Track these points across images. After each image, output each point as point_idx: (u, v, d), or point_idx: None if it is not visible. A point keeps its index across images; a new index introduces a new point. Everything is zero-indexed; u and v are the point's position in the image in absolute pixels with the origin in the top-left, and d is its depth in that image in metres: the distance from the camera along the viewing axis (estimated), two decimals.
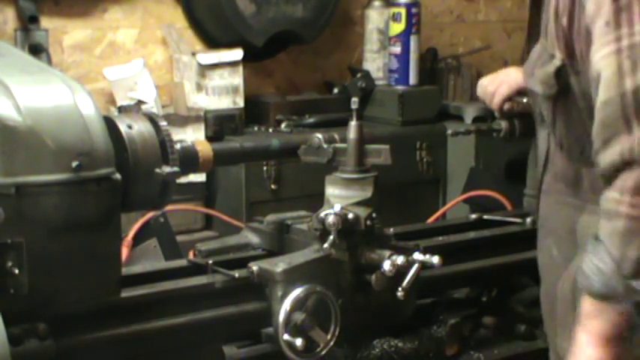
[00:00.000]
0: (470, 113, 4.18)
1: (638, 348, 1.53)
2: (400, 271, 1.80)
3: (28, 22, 3.55)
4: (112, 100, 3.72)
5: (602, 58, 1.45)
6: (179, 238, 3.04)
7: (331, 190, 1.90)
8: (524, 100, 2.18)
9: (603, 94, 1.45)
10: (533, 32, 1.76)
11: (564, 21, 1.58)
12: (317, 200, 1.92)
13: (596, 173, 1.51)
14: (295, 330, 1.72)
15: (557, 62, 1.62)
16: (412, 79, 4.19)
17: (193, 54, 3.76)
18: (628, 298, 1.44)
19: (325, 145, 1.95)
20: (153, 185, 1.73)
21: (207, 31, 4.00)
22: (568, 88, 1.64)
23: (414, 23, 4.17)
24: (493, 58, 4.85)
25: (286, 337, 1.71)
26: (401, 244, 1.93)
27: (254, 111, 3.89)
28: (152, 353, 1.74)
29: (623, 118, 1.42)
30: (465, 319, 2.14)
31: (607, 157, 1.45)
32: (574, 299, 1.60)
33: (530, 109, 1.95)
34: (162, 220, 2.87)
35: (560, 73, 1.63)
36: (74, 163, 1.55)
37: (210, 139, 3.28)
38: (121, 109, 3.47)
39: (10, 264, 1.53)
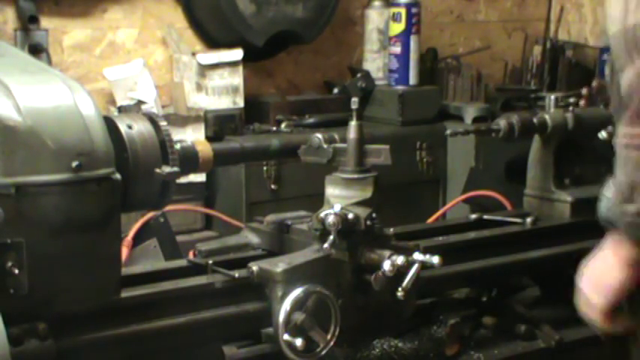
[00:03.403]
0: (470, 113, 4.18)
1: None
2: (400, 271, 1.80)
3: (28, 22, 3.55)
4: (112, 100, 3.72)
5: None
6: (179, 238, 3.05)
7: (331, 190, 1.90)
8: None
9: (611, 28, 1.57)
10: None
11: None
12: (317, 200, 1.92)
13: None
14: (295, 330, 1.71)
15: None
16: (412, 79, 4.19)
17: (193, 54, 3.76)
18: (620, 222, 1.56)
19: (325, 145, 1.95)
20: (153, 185, 1.73)
21: (207, 31, 4.01)
22: None
23: (414, 23, 4.17)
24: (493, 58, 4.86)
25: (286, 337, 1.70)
26: (401, 244, 1.92)
27: (254, 111, 3.89)
28: (152, 353, 1.74)
29: (626, 52, 1.53)
30: (465, 319, 2.14)
31: (623, 86, 1.56)
32: None
33: None
34: (162, 220, 2.87)
35: None
36: (74, 163, 1.55)
37: (210, 139, 3.28)
38: (121, 109, 3.49)
39: (10, 264, 1.52)
